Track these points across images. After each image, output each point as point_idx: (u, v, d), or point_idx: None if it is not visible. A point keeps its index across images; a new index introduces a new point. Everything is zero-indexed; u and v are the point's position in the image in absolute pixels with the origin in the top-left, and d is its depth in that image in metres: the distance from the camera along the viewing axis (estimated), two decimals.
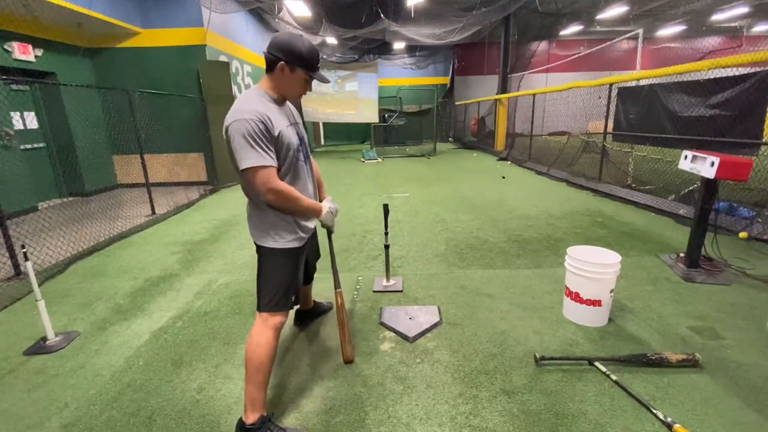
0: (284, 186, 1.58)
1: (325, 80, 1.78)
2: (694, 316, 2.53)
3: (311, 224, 1.85)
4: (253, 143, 1.49)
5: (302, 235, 1.76)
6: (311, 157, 1.95)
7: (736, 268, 3.19)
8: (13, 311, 2.91)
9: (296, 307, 2.47)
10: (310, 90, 1.79)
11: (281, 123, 1.61)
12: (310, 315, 2.61)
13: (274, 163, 1.55)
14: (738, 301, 2.71)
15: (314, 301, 2.64)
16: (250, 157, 1.49)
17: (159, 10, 7.35)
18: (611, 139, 6.74)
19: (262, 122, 1.50)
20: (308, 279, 2.31)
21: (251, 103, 1.55)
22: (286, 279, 1.72)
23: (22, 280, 3.35)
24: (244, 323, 2.62)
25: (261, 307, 1.70)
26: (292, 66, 1.60)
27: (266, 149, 1.52)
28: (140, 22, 7.33)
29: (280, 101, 1.70)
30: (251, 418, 1.61)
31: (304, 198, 1.68)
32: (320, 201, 2.01)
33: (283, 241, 1.69)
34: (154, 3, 7.32)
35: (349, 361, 2.09)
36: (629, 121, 6.29)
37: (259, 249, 1.73)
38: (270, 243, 1.68)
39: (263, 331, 1.66)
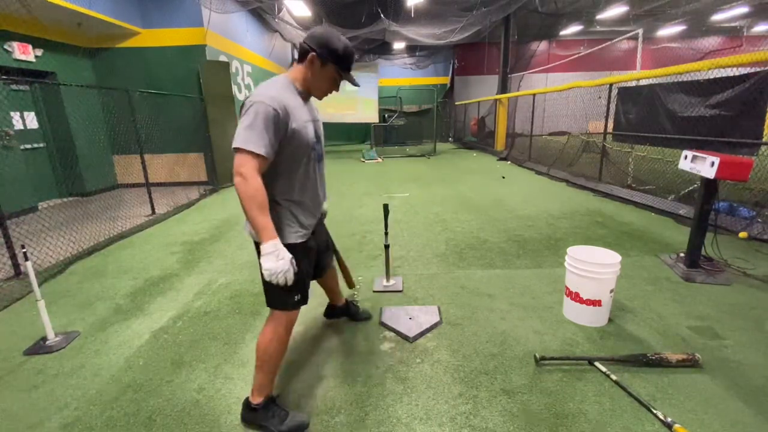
0: (257, 183, 1.45)
1: (355, 83, 1.73)
2: (694, 316, 2.53)
3: (312, 219, 1.75)
4: (260, 129, 1.44)
5: (303, 231, 1.69)
6: (323, 159, 1.87)
7: (736, 268, 3.19)
8: (13, 311, 2.91)
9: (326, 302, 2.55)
10: (337, 90, 1.74)
11: (301, 117, 1.58)
12: (339, 312, 2.56)
13: (265, 154, 1.46)
14: (738, 301, 2.71)
15: (347, 301, 2.58)
16: (248, 139, 1.44)
17: (159, 10, 7.35)
18: (611, 139, 6.73)
19: (279, 113, 1.47)
20: (321, 272, 2.17)
21: (277, 90, 1.54)
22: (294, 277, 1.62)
23: (22, 280, 3.35)
24: (244, 323, 2.62)
25: (270, 305, 1.71)
26: (324, 60, 1.58)
27: (269, 139, 1.47)
28: (140, 22, 7.33)
29: (305, 95, 1.67)
30: (257, 399, 1.73)
31: (266, 214, 1.49)
32: None
33: (284, 237, 1.62)
34: (154, 3, 7.31)
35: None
36: (629, 121, 6.28)
37: (259, 247, 1.59)
38: None
39: (276, 327, 1.69)
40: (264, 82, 1.60)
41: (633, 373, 2.00)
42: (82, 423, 1.80)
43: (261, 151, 1.45)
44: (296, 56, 1.69)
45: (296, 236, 1.67)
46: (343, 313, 2.59)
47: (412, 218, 5.05)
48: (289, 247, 1.61)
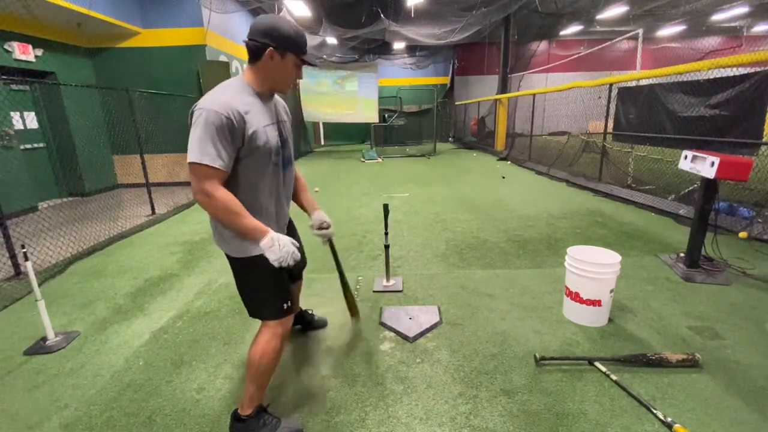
0: (223, 194, 1.38)
1: (314, 64, 1.61)
2: (694, 316, 2.53)
3: (277, 228, 1.62)
4: (214, 139, 1.34)
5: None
6: (293, 164, 1.73)
7: (736, 268, 3.19)
8: (13, 311, 2.91)
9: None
10: (301, 78, 1.61)
11: (259, 121, 1.46)
12: (297, 323, 2.47)
13: (223, 167, 1.37)
14: (738, 301, 2.71)
15: (305, 310, 2.50)
16: (203, 153, 1.34)
17: (159, 10, 7.36)
18: (611, 139, 6.74)
19: (233, 120, 1.36)
20: (293, 279, 2.04)
21: (229, 95, 1.42)
22: (280, 283, 1.59)
23: (22, 280, 3.35)
24: (244, 323, 2.62)
25: (265, 317, 1.62)
26: (282, 51, 1.45)
27: (224, 149, 1.37)
28: (140, 22, 7.33)
29: (265, 96, 1.53)
30: (247, 411, 1.63)
31: (246, 216, 1.42)
32: (307, 210, 1.89)
33: (253, 248, 1.50)
34: (154, 3, 7.32)
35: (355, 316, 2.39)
36: (629, 121, 6.29)
37: (239, 261, 1.54)
38: (251, 252, 1.50)
39: (271, 339, 1.59)
40: (216, 88, 1.48)
41: (633, 373, 2.00)
42: (82, 423, 1.80)
43: (217, 164, 1.36)
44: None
45: None
46: (298, 323, 2.47)
47: (412, 218, 5.05)
48: (258, 258, 1.49)
